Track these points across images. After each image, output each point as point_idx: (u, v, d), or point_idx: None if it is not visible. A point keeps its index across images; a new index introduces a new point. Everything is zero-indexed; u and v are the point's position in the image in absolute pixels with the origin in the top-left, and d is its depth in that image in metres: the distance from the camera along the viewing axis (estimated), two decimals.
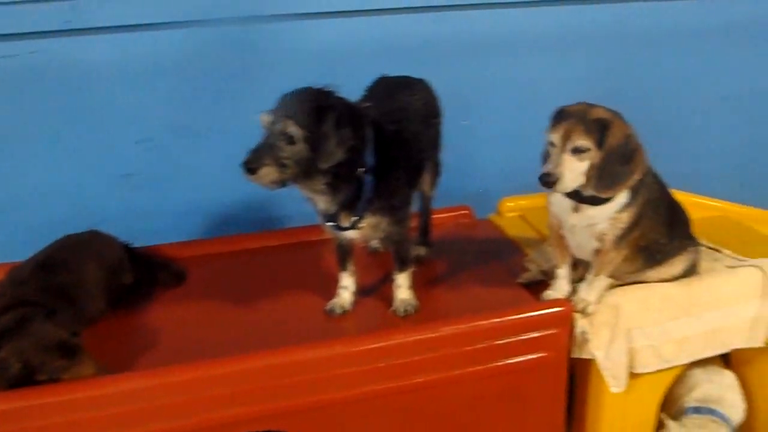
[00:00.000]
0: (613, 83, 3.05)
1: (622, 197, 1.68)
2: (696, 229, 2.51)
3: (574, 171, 1.59)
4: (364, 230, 1.73)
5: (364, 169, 1.62)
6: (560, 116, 1.63)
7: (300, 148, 1.50)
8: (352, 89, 1.86)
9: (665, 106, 3.19)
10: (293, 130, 1.49)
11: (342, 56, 2.62)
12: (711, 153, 3.34)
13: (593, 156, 1.59)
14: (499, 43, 2.89)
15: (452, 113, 2.85)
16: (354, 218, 1.68)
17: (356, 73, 1.96)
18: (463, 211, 2.51)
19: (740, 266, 1.98)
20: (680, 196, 2.65)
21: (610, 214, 1.68)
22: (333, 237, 1.81)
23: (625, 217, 1.69)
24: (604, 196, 1.66)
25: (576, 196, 1.69)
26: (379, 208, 1.70)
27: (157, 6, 2.36)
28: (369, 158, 1.62)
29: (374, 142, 1.63)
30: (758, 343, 1.94)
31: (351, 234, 1.75)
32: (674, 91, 3.19)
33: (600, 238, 1.73)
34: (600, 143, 1.59)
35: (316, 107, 1.51)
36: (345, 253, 1.87)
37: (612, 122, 1.61)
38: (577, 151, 1.59)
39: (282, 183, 1.53)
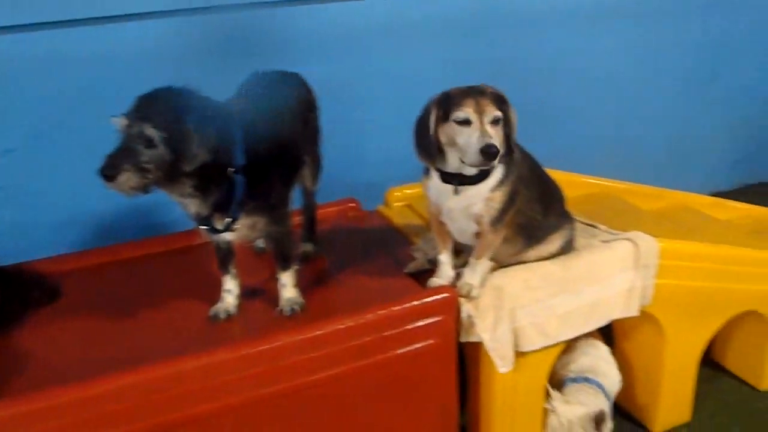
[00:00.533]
0: (495, 66, 3.11)
1: (496, 176, 1.70)
2: (576, 206, 2.59)
3: (498, 142, 1.61)
4: (240, 231, 1.69)
5: (233, 169, 1.56)
6: (463, 95, 1.63)
7: (161, 152, 1.43)
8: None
9: (545, 88, 3.29)
10: (151, 132, 1.42)
11: (210, 53, 2.56)
12: (589, 131, 3.48)
13: (502, 128, 1.64)
14: (380, 32, 2.90)
15: (338, 106, 2.84)
16: (228, 220, 1.63)
17: (230, 68, 1.92)
18: (350, 204, 2.49)
19: (614, 240, 2.06)
20: (561, 175, 2.74)
21: (486, 194, 1.71)
22: (210, 240, 1.76)
23: (499, 196, 1.72)
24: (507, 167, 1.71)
25: (456, 177, 1.71)
26: (254, 208, 1.65)
27: None
28: (239, 157, 1.57)
29: (243, 140, 1.58)
30: (634, 312, 2.03)
31: (228, 236, 1.70)
32: (553, 72, 3.30)
33: (478, 220, 1.75)
34: (505, 114, 1.64)
35: (175, 108, 1.45)
36: (225, 256, 1.82)
37: (504, 94, 1.66)
38: (496, 122, 1.62)
39: (144, 189, 1.46)
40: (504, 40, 3.11)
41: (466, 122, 1.60)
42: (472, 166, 1.62)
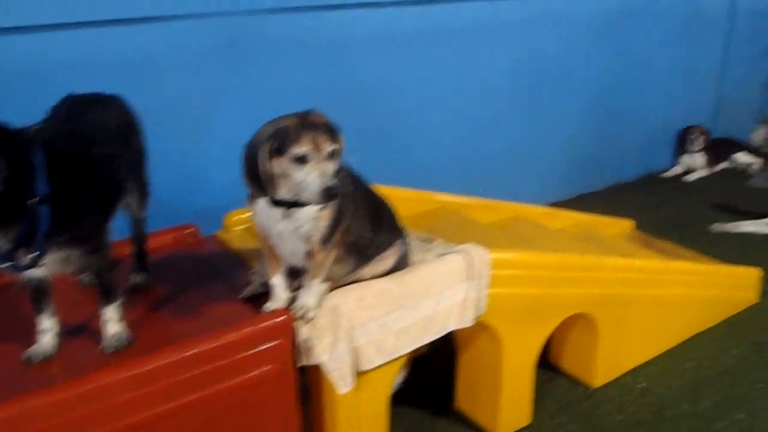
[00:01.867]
0: (335, 89, 3.14)
1: None
2: (418, 222, 2.65)
3: (335, 176, 1.60)
4: (51, 266, 1.56)
5: (36, 199, 1.45)
6: (299, 129, 1.59)
7: None
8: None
9: (388, 108, 3.36)
10: None
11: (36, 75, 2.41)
12: (430, 149, 3.58)
13: (338, 157, 1.64)
14: (220, 54, 2.84)
15: (176, 128, 2.75)
16: (33, 255, 1.50)
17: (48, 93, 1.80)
18: (188, 230, 2.40)
19: (448, 253, 2.11)
20: (404, 192, 2.82)
21: (313, 214, 1.69)
22: (19, 278, 1.62)
23: (327, 215, 1.71)
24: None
25: (284, 202, 1.68)
26: (65, 240, 1.54)
27: None
28: (42, 187, 1.46)
29: (47, 168, 1.47)
30: (469, 323, 2.09)
31: (37, 272, 1.57)
32: (395, 92, 3.37)
33: (308, 240, 1.73)
34: (339, 142, 1.64)
35: None
36: (39, 294, 1.68)
37: (334, 122, 1.65)
38: (331, 156, 1.60)
39: None
40: (344, 64, 3.14)
41: (303, 160, 1.58)
42: (310, 203, 1.60)
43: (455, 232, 2.58)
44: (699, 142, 4.82)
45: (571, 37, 3.98)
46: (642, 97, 4.55)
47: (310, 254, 1.78)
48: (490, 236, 2.64)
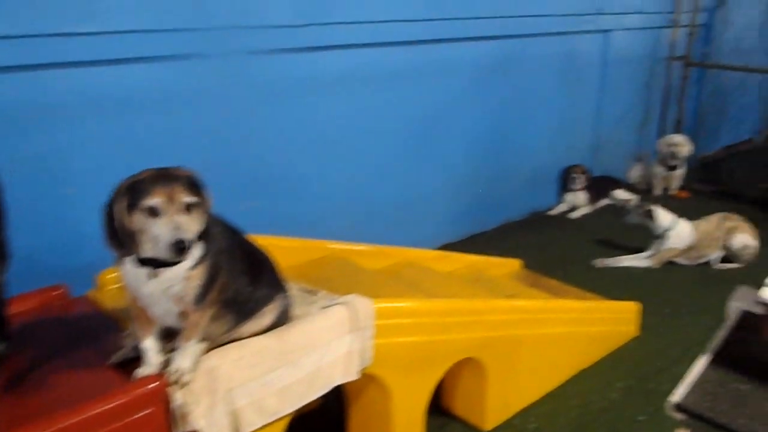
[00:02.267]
0: (222, 138, 3.08)
1: (195, 252, 1.63)
2: (305, 272, 2.61)
3: (192, 231, 1.55)
4: None
5: None
6: (152, 181, 1.54)
7: None
8: None
9: (277, 156, 3.32)
10: None
11: None
12: (324, 196, 3.55)
13: (199, 211, 1.58)
14: (94, 103, 2.72)
15: (45, 181, 2.60)
16: None
17: None
18: (56, 291, 2.25)
19: (333, 305, 2.08)
20: (292, 242, 2.78)
21: (184, 273, 1.63)
22: None
23: (199, 274, 1.65)
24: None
25: (152, 262, 1.61)
26: None
27: None
28: None
29: None
30: (354, 376, 2.05)
31: None
32: (283, 140, 3.34)
33: (180, 300, 1.66)
34: (201, 197, 1.58)
35: None
36: None
37: (199, 176, 1.61)
38: (189, 209, 1.55)
39: None
40: (228, 112, 3.08)
41: (154, 212, 1.52)
42: (163, 258, 1.54)
43: (343, 280, 2.56)
44: (580, 181, 5.04)
45: (457, 84, 4.10)
46: (525, 139, 4.73)
47: (183, 315, 1.70)
48: (377, 284, 2.63)
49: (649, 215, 4.14)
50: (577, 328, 2.95)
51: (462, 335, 2.41)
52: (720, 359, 1.66)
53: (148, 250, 1.58)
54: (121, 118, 2.79)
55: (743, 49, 6.54)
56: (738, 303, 1.79)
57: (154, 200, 1.52)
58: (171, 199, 1.53)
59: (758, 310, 1.74)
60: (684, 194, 5.66)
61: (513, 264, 3.80)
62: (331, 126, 3.50)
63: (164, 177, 1.56)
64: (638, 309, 3.36)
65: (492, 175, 4.56)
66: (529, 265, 3.93)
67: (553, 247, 4.46)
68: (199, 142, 2.98)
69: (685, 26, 5.62)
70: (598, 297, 3.52)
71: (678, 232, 4.15)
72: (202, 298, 1.67)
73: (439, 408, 2.67)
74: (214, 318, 1.76)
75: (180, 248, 1.51)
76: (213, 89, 3.01)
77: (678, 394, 1.52)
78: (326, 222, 3.52)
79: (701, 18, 5.80)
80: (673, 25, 5.59)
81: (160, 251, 1.53)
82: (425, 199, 4.15)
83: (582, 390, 2.91)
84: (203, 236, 1.63)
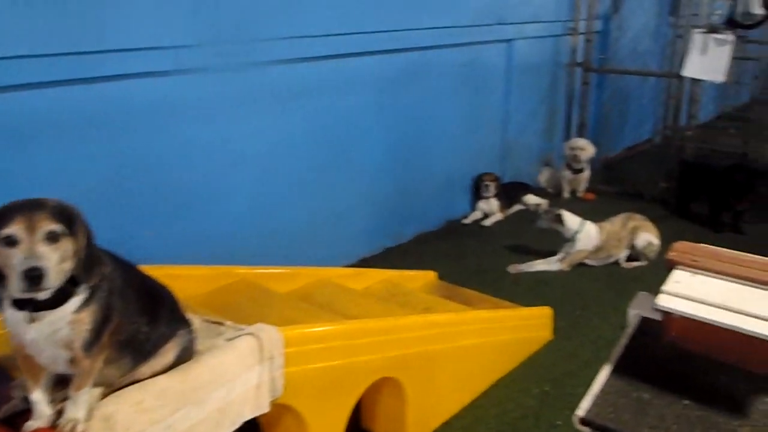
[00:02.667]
0: (119, 164, 2.95)
1: (78, 295, 1.53)
2: (211, 301, 2.52)
3: (55, 261, 1.43)
4: None
5: None
6: (13, 211, 1.44)
7: None
8: None
9: (180, 181, 3.21)
10: None
11: None
12: (231, 219, 3.46)
13: (68, 243, 1.47)
14: None
15: None
16: None
17: None
18: None
19: (239, 336, 2.01)
20: (200, 270, 2.69)
21: (69, 317, 1.52)
22: None
23: (88, 317, 1.54)
24: (92, 283, 1.54)
25: (29, 303, 1.50)
26: None
27: None
28: None
29: None
30: (265, 408, 1.99)
31: None
32: (186, 164, 3.23)
33: (68, 347, 1.56)
34: (71, 228, 1.48)
35: None
36: None
37: (72, 206, 1.51)
38: (52, 238, 1.44)
39: None
40: (122, 137, 2.95)
41: (12, 242, 1.41)
42: (19, 293, 1.44)
43: (252, 308, 2.49)
44: (492, 188, 5.12)
45: (365, 97, 4.09)
46: (436, 149, 4.77)
47: (73, 361, 1.59)
48: (288, 308, 2.57)
49: (559, 220, 4.25)
50: (493, 338, 2.97)
51: (376, 355, 2.38)
52: (621, 368, 1.69)
53: (14, 288, 1.47)
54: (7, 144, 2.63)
55: (639, 52, 6.83)
56: (637, 310, 1.84)
57: (12, 228, 1.41)
58: (31, 228, 1.42)
59: (656, 316, 1.79)
60: (591, 196, 5.84)
61: (428, 276, 3.81)
62: (238, 144, 3.41)
63: (27, 205, 1.45)
64: (551, 313, 3.42)
65: (405, 187, 4.57)
66: (445, 276, 3.95)
67: (468, 256, 4.50)
68: (92, 166, 2.84)
69: (583, 33, 5.82)
70: (512, 304, 3.57)
71: (586, 234, 4.26)
72: (93, 343, 1.57)
73: (359, 429, 2.63)
74: (109, 362, 1.66)
75: (34, 277, 1.39)
76: (110, 111, 2.88)
77: (582, 408, 1.53)
78: (235, 244, 3.43)
79: (597, 25, 6.02)
80: (572, 32, 5.78)
81: (14, 284, 1.41)
82: (339, 215, 4.11)
83: (500, 398, 2.93)
84: (89, 275, 1.54)
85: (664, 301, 1.76)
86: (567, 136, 6.06)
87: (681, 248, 2.09)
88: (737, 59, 7.89)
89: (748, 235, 5.00)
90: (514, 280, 4.15)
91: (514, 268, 4.27)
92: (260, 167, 3.55)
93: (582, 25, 5.80)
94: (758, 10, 4.78)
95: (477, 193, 5.19)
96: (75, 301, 1.53)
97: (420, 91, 4.48)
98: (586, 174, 5.80)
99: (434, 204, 4.90)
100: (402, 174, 4.52)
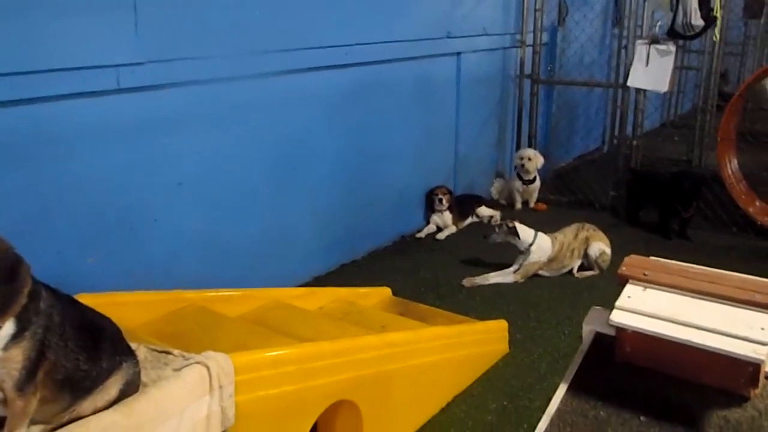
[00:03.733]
0: (56, 188, 2.84)
1: (6, 330, 1.45)
2: (160, 329, 2.44)
3: None
4: None
5: None
6: None
7: None
8: None
9: (124, 204, 3.10)
10: None
11: None
12: (177, 243, 3.36)
13: None
14: None
15: None
16: None
17: None
18: None
19: (186, 366, 1.93)
20: (147, 296, 2.59)
21: None
22: None
23: (19, 355, 1.46)
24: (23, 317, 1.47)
25: None
26: None
27: None
28: None
29: None
30: None
31: None
32: (130, 186, 3.13)
33: None
34: None
35: None
36: None
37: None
38: None
39: None
40: (60, 159, 2.84)
41: None
42: None
43: (201, 334, 2.41)
44: (445, 201, 5.12)
45: (315, 113, 4.04)
46: (388, 164, 4.74)
47: (6, 402, 1.51)
48: (239, 333, 2.50)
49: (513, 233, 4.26)
50: (449, 354, 2.94)
51: (331, 378, 2.32)
52: (577, 386, 1.68)
53: None
54: None
55: (585, 63, 6.95)
56: (591, 326, 1.83)
57: None
58: None
59: (610, 331, 1.78)
60: (542, 206, 5.90)
61: (382, 293, 3.77)
62: (183, 164, 3.33)
63: None
64: (506, 326, 3.42)
65: (359, 202, 4.54)
66: (399, 291, 3.92)
67: (422, 270, 4.48)
68: (28, 192, 2.72)
69: (530, 46, 5.89)
70: (468, 318, 3.55)
71: (539, 246, 4.29)
72: (26, 382, 1.48)
73: None
74: (46, 401, 1.57)
75: None
76: (46, 134, 2.76)
77: (540, 429, 1.51)
78: (183, 267, 3.34)
79: (544, 37, 6.10)
80: (520, 45, 5.84)
81: None
82: (291, 233, 4.05)
83: (458, 415, 2.91)
84: (19, 313, 1.45)
85: (617, 316, 1.75)
86: (518, 148, 6.11)
87: (632, 262, 2.10)
88: (680, 69, 8.15)
89: (695, 242, 5.11)
90: (469, 294, 4.14)
91: (469, 282, 4.26)
92: (207, 186, 3.47)
93: (529, 38, 5.87)
94: (698, 21, 4.90)
95: (430, 206, 5.19)
96: (1, 340, 1.44)
97: (372, 105, 4.46)
98: (537, 184, 5.85)
99: (388, 219, 4.87)
100: (355, 189, 4.48)
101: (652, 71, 5.20)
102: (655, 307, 1.84)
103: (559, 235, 4.43)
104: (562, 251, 4.38)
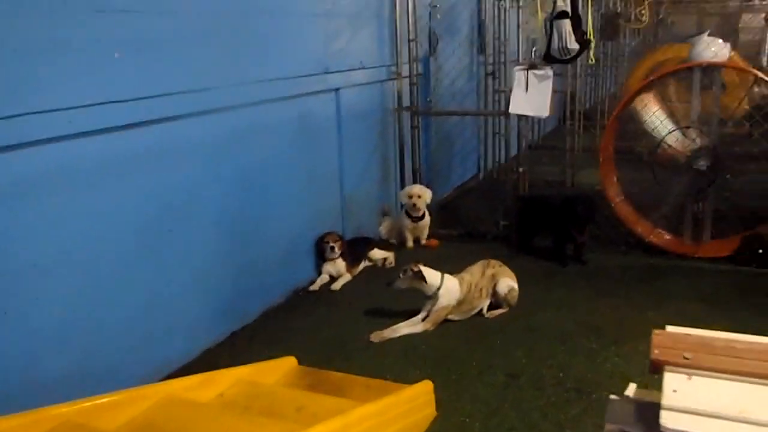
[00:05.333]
0: None
1: None
2: None
3: None
4: None
5: None
6: None
7: None
8: None
9: None
10: None
11: None
12: (30, 338, 2.74)
13: None
14: None
15: None
16: None
17: None
18: None
19: None
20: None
21: None
22: None
23: None
24: None
25: None
26: None
27: None
28: None
29: None
30: None
31: None
32: None
33: None
34: None
35: None
36: None
37: None
38: None
39: None
40: None
41: None
42: None
43: None
44: (336, 248, 4.73)
45: (191, 165, 3.55)
46: (273, 213, 4.30)
47: None
48: None
49: (419, 277, 3.94)
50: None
51: None
52: None
53: None
54: None
55: (457, 93, 6.86)
56: (617, 425, 1.49)
57: None
58: None
59: (638, 429, 1.45)
60: (434, 243, 5.65)
61: (286, 364, 3.31)
62: (38, 240, 2.73)
63: None
64: (432, 388, 3.07)
65: (245, 259, 4.05)
66: (303, 357, 3.47)
67: (324, 329, 4.06)
68: None
69: (407, 77, 5.68)
70: (388, 383, 3.18)
71: (447, 288, 4.00)
72: None
73: None
74: None
75: None
76: None
77: None
78: (45, 369, 2.73)
79: (420, 68, 5.92)
80: (396, 77, 5.61)
81: None
82: (173, 304, 3.50)
83: None
84: None
85: (670, 420, 1.42)
86: (402, 184, 5.86)
87: (664, 342, 1.76)
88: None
89: (591, 265, 5.05)
90: (379, 350, 3.76)
91: (377, 336, 3.88)
92: (69, 264, 2.88)
93: (405, 69, 5.65)
94: (573, 44, 4.89)
95: (321, 255, 4.78)
96: None
97: (253, 152, 4.02)
98: (427, 220, 5.61)
99: (277, 274, 4.41)
100: (240, 246, 4.00)
101: (532, 97, 5.14)
102: (713, 403, 1.51)
103: (466, 275, 4.17)
104: (471, 292, 4.12)
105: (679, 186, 5.14)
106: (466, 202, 6.84)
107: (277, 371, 3.20)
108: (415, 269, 3.95)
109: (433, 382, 3.13)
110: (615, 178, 5.47)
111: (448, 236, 5.79)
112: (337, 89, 4.87)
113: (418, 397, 2.96)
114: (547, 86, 5.11)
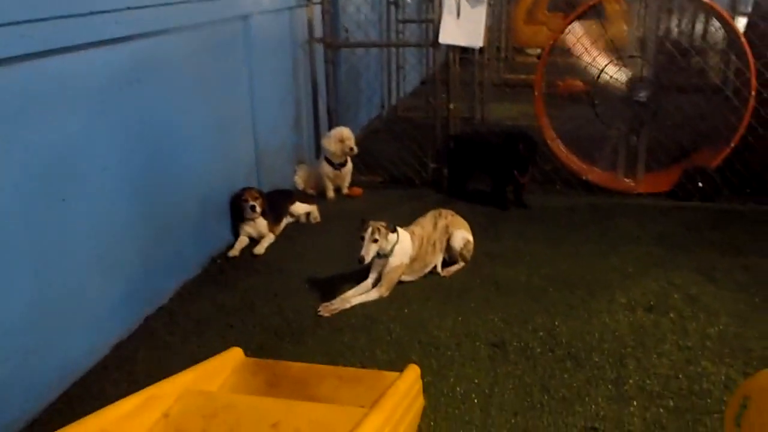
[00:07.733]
0: None
1: None
2: None
3: None
4: None
5: None
6: None
7: None
8: None
9: None
10: None
11: None
12: None
13: None
14: None
15: None
16: None
17: None
18: None
19: None
20: None
21: None
22: None
23: None
24: None
25: None
26: None
27: None
28: None
29: None
30: None
31: None
32: None
33: None
34: None
35: None
36: None
37: None
38: None
39: None
40: None
41: None
42: None
43: None
44: (258, 207, 4.03)
45: (82, 113, 2.73)
46: (182, 169, 3.53)
47: None
48: None
49: (394, 231, 3.37)
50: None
51: None
52: None
53: None
54: None
55: (363, 22, 6.19)
56: None
57: None
58: None
59: None
60: (358, 191, 5.07)
61: (232, 358, 2.62)
62: None
63: None
64: (419, 373, 2.52)
65: (153, 227, 3.29)
66: (243, 343, 2.82)
67: (259, 304, 3.40)
68: None
69: (319, 3, 4.93)
70: (362, 370, 2.62)
71: (401, 245, 3.45)
72: None
73: None
74: None
75: None
76: None
77: None
78: None
79: None
80: (307, 3, 4.86)
81: None
82: (72, 293, 2.73)
83: None
84: None
85: None
86: (317, 126, 5.19)
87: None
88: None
89: (532, 207, 4.69)
90: (333, 326, 3.17)
91: (326, 310, 3.28)
92: None
93: None
94: None
95: (239, 215, 4.06)
96: None
97: (154, 93, 3.21)
98: (349, 167, 5.02)
99: (191, 241, 3.67)
100: (147, 211, 3.22)
101: (464, 24, 4.59)
102: None
103: (417, 229, 3.64)
104: (423, 247, 3.60)
105: (619, 120, 4.85)
106: (378, 145, 6.25)
107: (223, 370, 2.53)
108: (382, 227, 3.32)
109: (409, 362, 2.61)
110: (547, 115, 5.10)
111: (371, 183, 5.22)
112: (245, 16, 4.07)
113: (413, 388, 2.42)
114: (481, 13, 4.59)
